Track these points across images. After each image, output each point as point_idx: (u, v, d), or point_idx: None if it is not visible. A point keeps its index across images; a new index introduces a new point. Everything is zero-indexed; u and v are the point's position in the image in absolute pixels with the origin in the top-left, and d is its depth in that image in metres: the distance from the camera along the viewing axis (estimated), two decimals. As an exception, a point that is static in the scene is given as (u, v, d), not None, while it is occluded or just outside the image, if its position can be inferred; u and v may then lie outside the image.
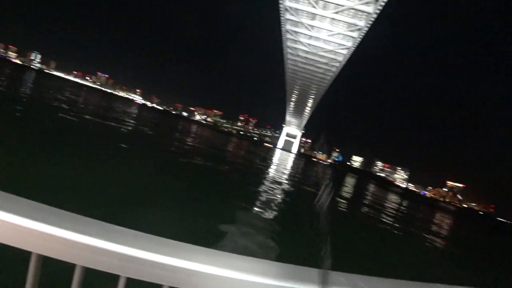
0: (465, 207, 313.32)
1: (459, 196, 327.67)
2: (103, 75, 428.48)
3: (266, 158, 54.72)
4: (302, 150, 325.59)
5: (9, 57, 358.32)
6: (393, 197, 62.07)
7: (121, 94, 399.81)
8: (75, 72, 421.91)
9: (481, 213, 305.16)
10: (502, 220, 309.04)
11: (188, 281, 0.96)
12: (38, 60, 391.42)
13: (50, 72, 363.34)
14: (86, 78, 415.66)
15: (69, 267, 0.93)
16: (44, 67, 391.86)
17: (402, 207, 41.38)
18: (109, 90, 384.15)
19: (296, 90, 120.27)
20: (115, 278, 0.95)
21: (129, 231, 1.01)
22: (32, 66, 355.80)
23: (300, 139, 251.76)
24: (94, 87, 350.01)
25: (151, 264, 0.93)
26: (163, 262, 0.93)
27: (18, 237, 0.86)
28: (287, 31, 64.08)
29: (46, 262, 0.94)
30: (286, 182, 26.43)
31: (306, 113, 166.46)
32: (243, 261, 1.06)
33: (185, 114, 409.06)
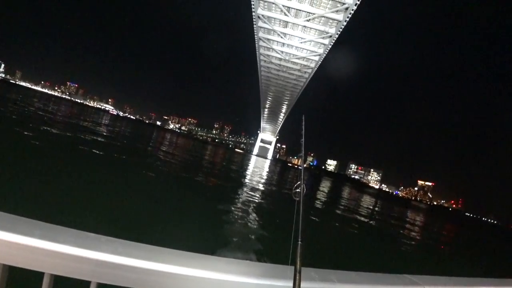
0: (435, 204, 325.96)
1: (429, 194, 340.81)
2: (73, 84, 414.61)
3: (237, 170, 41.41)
4: (277, 156, 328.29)
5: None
6: (367, 199, 63.51)
7: (93, 104, 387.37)
8: (43, 82, 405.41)
9: (450, 209, 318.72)
10: (470, 215, 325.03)
11: (160, 283, 0.95)
12: (1, 70, 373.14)
13: (16, 82, 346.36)
14: (55, 88, 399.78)
15: (37, 276, 0.90)
16: (8, 77, 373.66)
17: (375, 210, 42.48)
18: (79, 101, 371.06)
19: (270, 97, 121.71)
20: (86, 284, 0.93)
21: (100, 237, 0.99)
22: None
23: (275, 145, 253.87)
24: (64, 98, 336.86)
25: (122, 268, 0.91)
26: (135, 266, 0.91)
27: None
28: (260, 38, 65.15)
29: (13, 272, 0.91)
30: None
31: (280, 119, 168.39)
32: (216, 262, 1.07)
33: (159, 123, 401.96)
